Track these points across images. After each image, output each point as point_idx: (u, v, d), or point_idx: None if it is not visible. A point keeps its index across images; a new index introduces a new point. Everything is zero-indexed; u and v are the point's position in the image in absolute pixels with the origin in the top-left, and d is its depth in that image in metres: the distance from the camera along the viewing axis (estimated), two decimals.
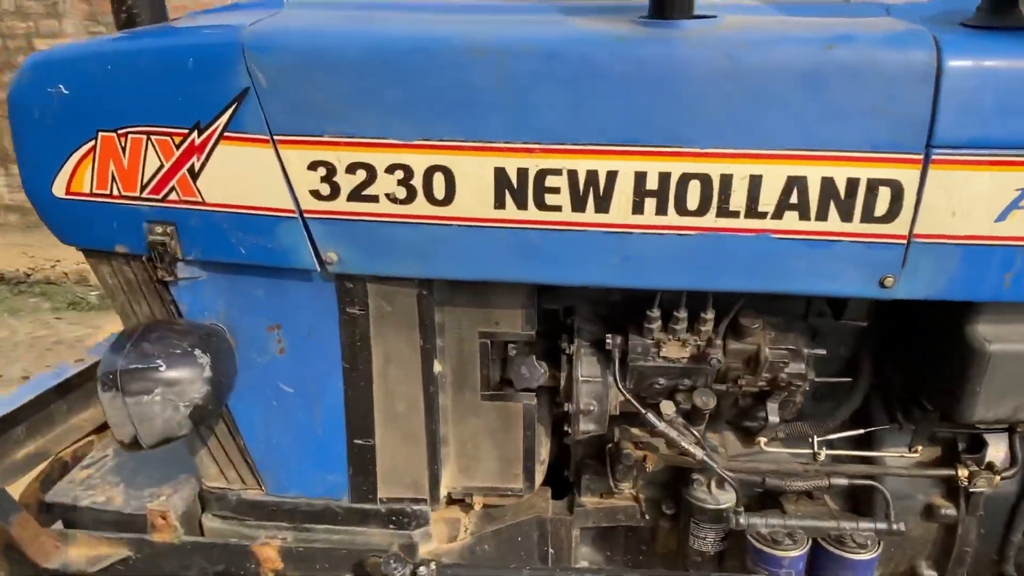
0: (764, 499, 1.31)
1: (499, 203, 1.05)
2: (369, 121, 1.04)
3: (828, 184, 0.97)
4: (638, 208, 1.02)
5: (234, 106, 1.05)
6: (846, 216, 0.98)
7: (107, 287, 1.27)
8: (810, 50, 0.94)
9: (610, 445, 1.33)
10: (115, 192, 1.13)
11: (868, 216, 0.98)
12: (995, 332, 1.05)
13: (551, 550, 1.39)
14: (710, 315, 1.16)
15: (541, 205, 1.04)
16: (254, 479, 1.35)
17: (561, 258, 1.07)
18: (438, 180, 1.05)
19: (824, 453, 1.24)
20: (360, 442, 1.28)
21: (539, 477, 1.37)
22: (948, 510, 1.26)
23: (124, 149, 1.10)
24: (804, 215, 0.99)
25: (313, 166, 1.07)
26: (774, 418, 1.21)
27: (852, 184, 0.96)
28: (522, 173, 1.02)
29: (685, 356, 1.19)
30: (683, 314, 1.16)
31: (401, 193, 1.06)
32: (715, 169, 0.98)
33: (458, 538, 1.36)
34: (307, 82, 1.03)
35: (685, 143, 0.98)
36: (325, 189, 1.08)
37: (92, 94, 1.09)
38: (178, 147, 1.09)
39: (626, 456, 1.29)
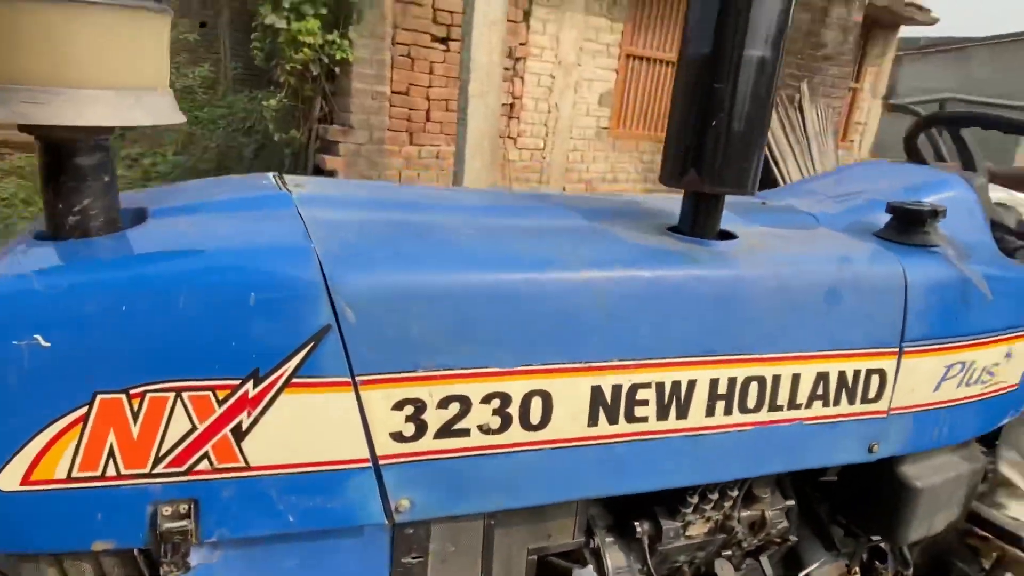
0: None
1: (593, 421, 1.06)
2: (468, 351, 0.97)
3: (842, 376, 1.21)
4: (711, 411, 1.13)
5: (309, 347, 0.89)
6: (851, 400, 1.23)
7: None
8: (829, 268, 1.18)
9: None
10: (110, 472, 0.85)
11: (864, 399, 1.24)
12: (918, 471, 1.39)
13: None
14: (735, 492, 1.30)
15: (631, 418, 1.08)
16: None
17: (644, 467, 1.11)
18: (536, 405, 1.02)
19: None
20: None
21: None
22: None
23: (137, 413, 0.84)
24: (826, 403, 1.21)
25: (399, 405, 0.95)
26: (770, 571, 1.39)
27: (856, 374, 1.22)
28: (616, 389, 1.06)
29: (705, 531, 1.31)
30: (715, 495, 1.28)
31: (495, 423, 1.00)
32: (768, 371, 1.15)
33: None
34: (402, 315, 0.93)
35: (747, 351, 1.13)
36: (409, 429, 0.96)
37: (90, 343, 0.81)
38: (222, 403, 0.87)
39: None
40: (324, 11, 5.81)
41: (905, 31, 10.30)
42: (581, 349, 1.02)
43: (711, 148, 1.08)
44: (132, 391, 0.83)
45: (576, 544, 1.24)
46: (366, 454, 0.95)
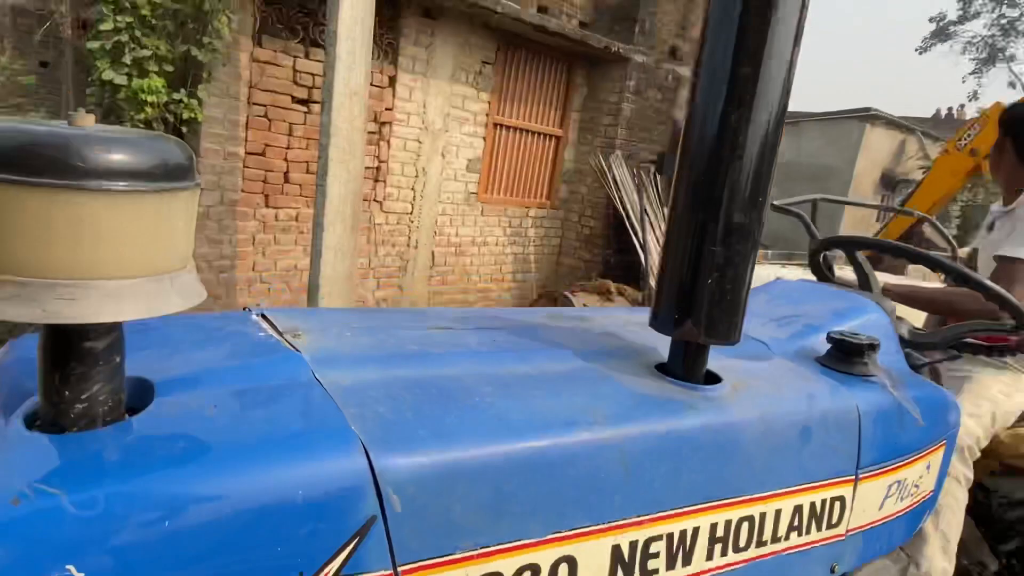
0: None
1: None
2: (504, 526, 0.96)
3: (812, 507, 1.31)
4: (710, 554, 1.18)
5: (355, 542, 0.85)
6: (819, 527, 1.34)
7: None
8: (801, 408, 1.29)
9: None
10: None
11: (829, 524, 1.35)
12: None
13: None
14: None
15: (644, 572, 1.11)
16: None
17: None
18: (562, 571, 1.02)
19: None
20: None
21: None
22: None
23: None
24: (800, 532, 1.31)
25: None
26: None
27: (823, 503, 1.33)
28: (633, 546, 1.09)
29: None
30: None
31: None
32: (757, 509, 1.23)
33: None
34: (445, 497, 0.91)
35: (740, 493, 1.20)
36: None
37: (128, 566, 0.73)
38: None
39: None
40: (169, 68, 5.51)
41: None
42: (604, 509, 1.05)
43: (707, 304, 1.17)
44: None
45: None
46: None
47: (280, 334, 1.14)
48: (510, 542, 0.97)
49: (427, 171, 7.51)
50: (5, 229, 0.71)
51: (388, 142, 7.13)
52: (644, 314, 1.71)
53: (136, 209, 0.76)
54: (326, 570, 0.83)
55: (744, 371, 1.37)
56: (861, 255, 1.97)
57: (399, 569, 0.88)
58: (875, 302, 1.73)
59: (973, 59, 26.47)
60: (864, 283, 1.95)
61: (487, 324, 1.42)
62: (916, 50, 27.74)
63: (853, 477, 1.37)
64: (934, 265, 1.77)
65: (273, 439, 0.86)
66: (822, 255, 2.08)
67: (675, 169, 1.21)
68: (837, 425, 1.33)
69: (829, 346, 1.53)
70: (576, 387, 1.17)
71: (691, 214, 1.17)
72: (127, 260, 0.76)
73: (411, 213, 7.53)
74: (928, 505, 1.67)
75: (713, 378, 1.28)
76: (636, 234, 8.16)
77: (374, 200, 7.17)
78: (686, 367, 1.26)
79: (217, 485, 0.78)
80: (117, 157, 0.73)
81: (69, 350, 0.80)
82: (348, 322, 1.30)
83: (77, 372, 0.81)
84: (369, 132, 6.72)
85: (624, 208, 8.22)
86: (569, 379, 1.20)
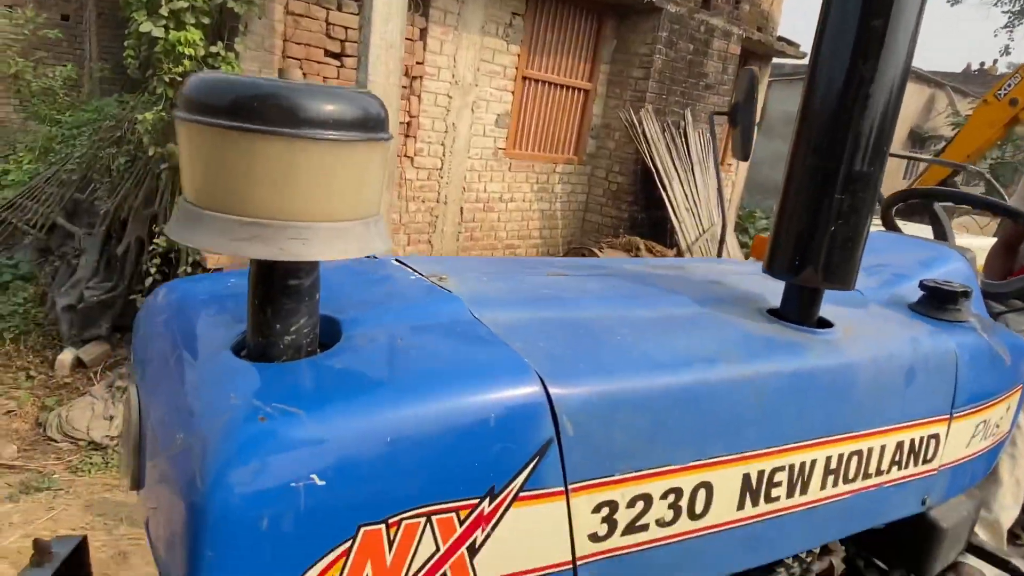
0: None
1: (741, 504, 1.17)
2: (655, 453, 1.05)
3: (911, 443, 1.40)
4: (824, 484, 1.27)
5: (535, 461, 0.94)
6: (916, 462, 1.43)
7: None
8: (906, 350, 1.36)
9: None
10: None
11: (924, 460, 1.44)
12: (942, 515, 1.62)
13: None
14: (816, 549, 1.46)
15: (768, 499, 1.20)
16: None
17: (774, 540, 1.24)
18: (701, 495, 1.12)
19: None
20: None
21: None
22: None
23: (392, 542, 0.85)
24: (900, 467, 1.40)
25: (597, 508, 1.02)
26: None
27: (921, 441, 1.42)
28: (760, 475, 1.18)
29: None
30: (804, 554, 1.43)
31: (669, 516, 1.09)
32: (866, 445, 1.31)
33: None
34: (609, 424, 1.00)
35: (851, 429, 1.29)
36: (603, 529, 1.03)
37: (357, 477, 0.82)
38: (463, 522, 0.90)
39: None
40: (206, 20, 5.51)
41: (775, 61, 11.31)
42: (739, 441, 1.14)
43: (827, 250, 1.24)
44: (391, 520, 0.84)
45: None
46: (568, 557, 1.01)
47: (427, 278, 1.23)
48: (659, 467, 1.06)
49: (456, 126, 7.52)
50: (247, 175, 0.79)
51: (419, 97, 7.13)
52: (736, 264, 1.79)
53: (350, 157, 0.83)
54: (513, 483, 0.92)
55: (849, 317, 1.45)
56: (939, 207, 2.03)
57: (569, 487, 0.98)
58: (960, 254, 1.79)
59: (1006, 12, 25.87)
60: (941, 234, 2.01)
61: (598, 272, 1.50)
62: (948, 1, 27.10)
63: (948, 416, 1.45)
64: (1014, 215, 1.82)
65: (461, 369, 0.95)
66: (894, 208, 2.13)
67: (797, 119, 1.27)
68: (937, 367, 1.41)
69: (922, 293, 1.60)
70: (703, 330, 1.25)
71: (814, 163, 1.23)
72: (344, 205, 0.84)
73: (440, 169, 7.57)
74: (1002, 445, 1.76)
75: (825, 323, 1.36)
76: (665, 190, 8.17)
77: (404, 156, 7.20)
78: (801, 312, 1.33)
79: (423, 407, 0.87)
80: (336, 109, 0.80)
81: (279, 288, 0.88)
82: (476, 268, 1.38)
83: (286, 308, 0.90)
84: (401, 87, 6.73)
85: (653, 163, 8.21)
86: (694, 323, 1.28)
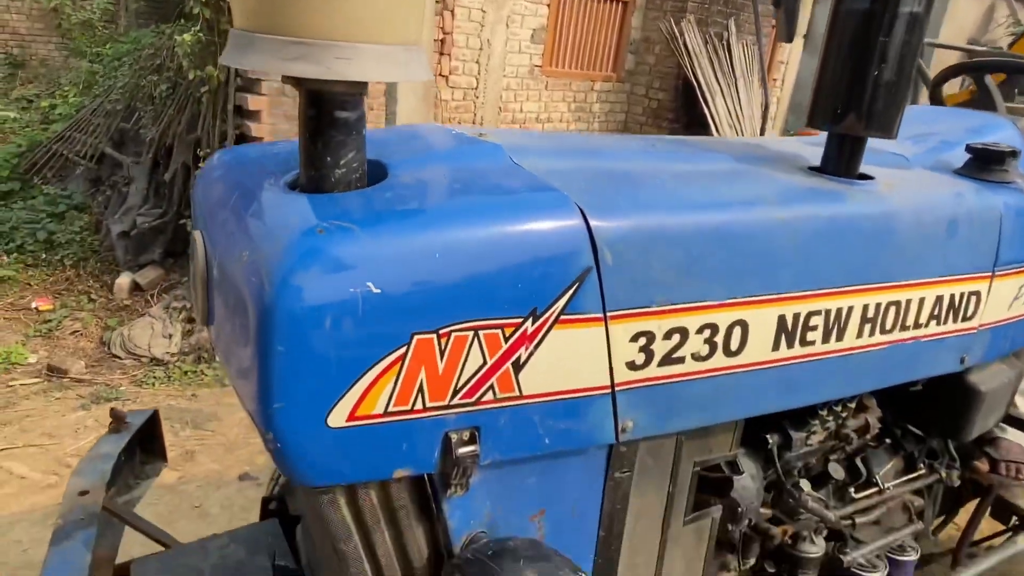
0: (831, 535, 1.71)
1: (776, 346, 1.21)
2: (692, 287, 1.10)
3: (951, 298, 1.42)
4: (860, 333, 1.31)
5: (575, 287, 0.99)
6: (955, 319, 1.44)
7: (339, 529, 0.99)
8: (949, 203, 1.37)
9: (746, 530, 1.56)
10: (417, 406, 0.93)
11: (963, 317, 1.46)
12: (981, 379, 1.64)
13: None
14: (852, 404, 1.50)
15: (803, 342, 1.24)
16: None
17: (809, 385, 1.29)
18: (736, 333, 1.16)
19: (890, 486, 1.70)
20: None
21: None
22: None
23: (443, 351, 0.92)
24: (939, 322, 1.42)
25: (635, 337, 1.07)
26: (878, 469, 1.62)
27: (961, 296, 1.43)
28: (796, 317, 1.21)
29: (822, 439, 1.51)
30: (838, 407, 1.48)
31: (704, 350, 1.14)
32: (903, 296, 1.34)
33: None
34: (646, 256, 1.04)
35: (890, 279, 1.31)
36: (640, 358, 1.09)
37: (411, 289, 0.88)
38: (508, 339, 0.96)
39: (771, 536, 1.54)
40: None
41: None
42: (775, 281, 1.17)
43: (869, 95, 1.24)
44: (442, 331, 0.91)
45: (731, 456, 1.41)
46: (607, 381, 1.07)
47: (467, 133, 1.26)
48: (695, 302, 1.10)
49: (491, 43, 7.41)
50: None
51: (452, 12, 7.03)
52: (773, 138, 1.78)
53: None
54: (555, 306, 0.98)
55: (891, 175, 1.45)
56: (988, 79, 1.98)
57: (608, 314, 1.03)
58: (1010, 121, 1.76)
59: None
60: (991, 106, 1.97)
61: (638, 139, 1.52)
62: None
63: (990, 274, 1.46)
64: None
65: (505, 200, 1.00)
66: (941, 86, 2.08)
67: None
68: (980, 223, 1.41)
69: (968, 157, 1.58)
70: (742, 180, 1.27)
71: (857, 4, 1.21)
72: (387, 28, 0.88)
73: (476, 88, 7.50)
74: None
75: (866, 177, 1.36)
76: (708, 106, 7.99)
77: (440, 75, 7.15)
78: (841, 164, 1.34)
79: (470, 230, 0.93)
80: None
81: (327, 121, 0.93)
82: (517, 133, 1.41)
83: (335, 140, 0.95)
84: (435, 2, 6.64)
85: (695, 78, 8.01)
86: (734, 174, 1.30)
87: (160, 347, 5.14)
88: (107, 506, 1.53)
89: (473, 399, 0.96)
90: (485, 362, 0.95)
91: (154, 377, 4.74)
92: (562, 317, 0.99)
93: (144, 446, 1.93)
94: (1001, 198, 1.46)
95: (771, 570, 1.64)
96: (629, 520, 1.24)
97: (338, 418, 0.88)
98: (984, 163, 1.55)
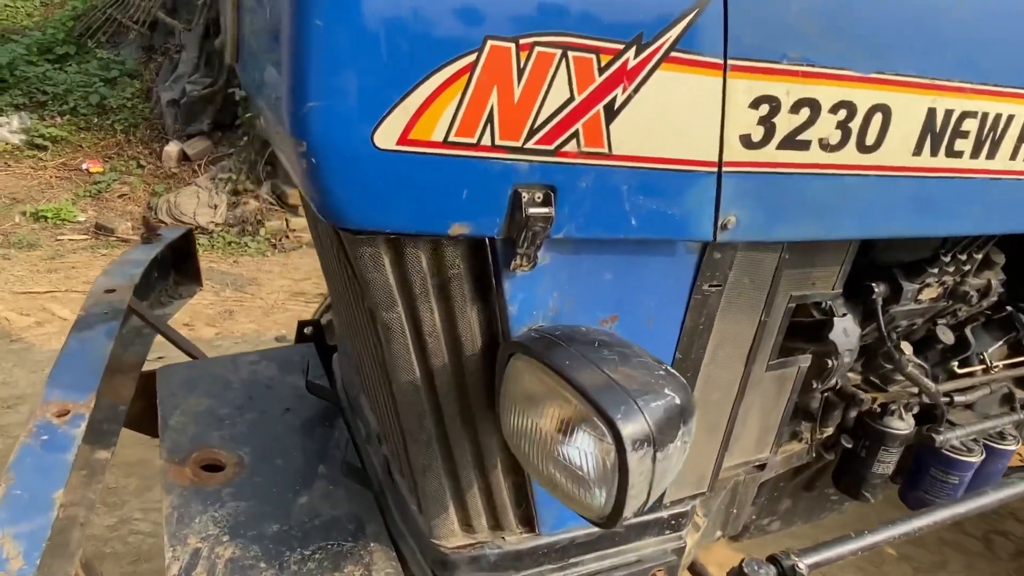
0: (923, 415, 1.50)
1: (918, 149, 0.99)
2: (833, 48, 0.87)
3: None
4: (1015, 154, 1.07)
5: (693, 14, 0.77)
6: None
7: (381, 294, 0.82)
8: None
9: (827, 392, 1.37)
10: (484, 141, 0.73)
11: None
12: None
13: (735, 510, 1.39)
14: (978, 255, 1.27)
15: (950, 152, 1.01)
16: (520, 522, 1.05)
17: (944, 211, 1.07)
18: (875, 121, 0.93)
19: (998, 366, 1.48)
20: None
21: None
22: None
23: (522, 70, 0.72)
24: None
25: (756, 103, 0.85)
26: (984, 347, 1.40)
27: None
28: (947, 115, 0.98)
29: (935, 296, 1.29)
30: (964, 256, 1.25)
31: (835, 137, 0.92)
32: None
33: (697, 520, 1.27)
34: None
35: None
36: (758, 133, 0.87)
37: None
38: (602, 70, 0.75)
39: (858, 402, 1.35)
40: None
41: None
42: (932, 62, 0.93)
43: None
44: (522, 41, 0.71)
45: (837, 294, 1.20)
46: (715, 157, 0.86)
47: None
48: (834, 68, 0.87)
49: None
50: None
51: None
52: None
53: None
54: (666, 36, 0.76)
55: None
56: None
57: (729, 62, 0.81)
58: None
59: None
60: None
61: None
62: None
63: None
64: None
65: None
66: None
67: None
68: None
69: None
70: None
71: None
72: None
73: None
74: None
75: None
76: None
77: None
78: None
79: None
80: None
81: None
82: None
83: None
84: None
85: None
86: None
87: (205, 216, 5.07)
88: (134, 307, 1.40)
89: (552, 146, 0.77)
90: (572, 97, 0.75)
91: (199, 244, 4.68)
92: (672, 53, 0.78)
93: (178, 266, 1.80)
94: None
95: (847, 444, 1.45)
96: (711, 345, 1.06)
97: (387, 137, 0.69)
98: None
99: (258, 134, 5.09)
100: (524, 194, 0.78)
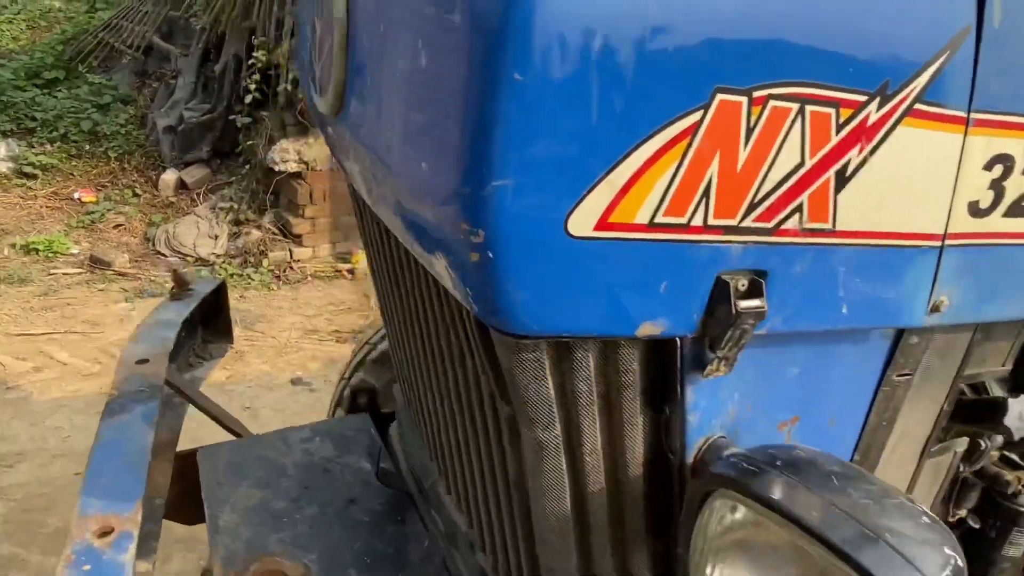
0: None
1: None
2: None
3: None
4: None
5: (944, 57, 0.61)
6: None
7: (539, 411, 0.64)
8: None
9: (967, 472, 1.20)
10: (695, 222, 0.56)
11: None
12: None
13: None
14: None
15: None
16: None
17: None
18: None
19: None
20: None
21: None
22: None
23: (751, 129, 0.55)
24: None
25: (991, 163, 0.69)
26: None
27: None
28: None
29: None
30: None
31: None
32: None
33: None
34: None
35: None
36: (987, 199, 0.71)
37: (722, 21, 0.51)
38: (840, 127, 0.59)
39: (1003, 484, 1.18)
40: None
41: None
42: None
43: None
44: (756, 93, 0.54)
45: (1004, 372, 1.03)
46: (941, 228, 0.69)
47: None
48: None
49: None
50: None
51: None
52: None
53: None
54: (912, 84, 0.60)
55: None
56: None
57: (973, 116, 0.65)
58: None
59: None
60: None
61: None
62: None
63: None
64: None
65: None
66: None
67: None
68: None
69: None
70: None
71: None
72: None
73: None
74: None
75: None
76: None
77: None
78: None
79: None
80: None
81: None
82: None
83: None
84: None
85: None
86: None
87: (206, 247, 4.87)
88: (170, 380, 1.22)
89: (771, 224, 0.60)
90: (802, 162, 0.58)
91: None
92: (916, 105, 0.61)
93: (207, 322, 1.61)
94: None
95: (975, 525, 1.28)
96: (890, 443, 0.89)
97: (583, 223, 0.52)
98: None
99: (261, 163, 4.91)
100: (731, 282, 0.60)
